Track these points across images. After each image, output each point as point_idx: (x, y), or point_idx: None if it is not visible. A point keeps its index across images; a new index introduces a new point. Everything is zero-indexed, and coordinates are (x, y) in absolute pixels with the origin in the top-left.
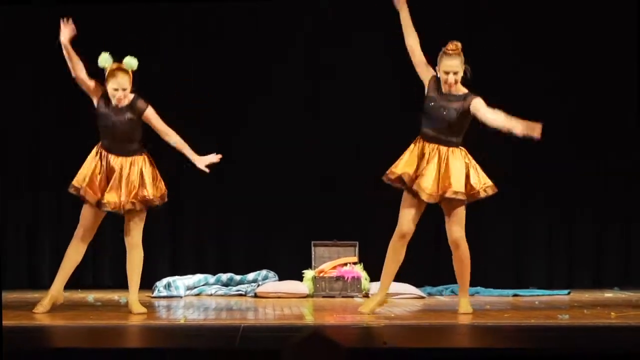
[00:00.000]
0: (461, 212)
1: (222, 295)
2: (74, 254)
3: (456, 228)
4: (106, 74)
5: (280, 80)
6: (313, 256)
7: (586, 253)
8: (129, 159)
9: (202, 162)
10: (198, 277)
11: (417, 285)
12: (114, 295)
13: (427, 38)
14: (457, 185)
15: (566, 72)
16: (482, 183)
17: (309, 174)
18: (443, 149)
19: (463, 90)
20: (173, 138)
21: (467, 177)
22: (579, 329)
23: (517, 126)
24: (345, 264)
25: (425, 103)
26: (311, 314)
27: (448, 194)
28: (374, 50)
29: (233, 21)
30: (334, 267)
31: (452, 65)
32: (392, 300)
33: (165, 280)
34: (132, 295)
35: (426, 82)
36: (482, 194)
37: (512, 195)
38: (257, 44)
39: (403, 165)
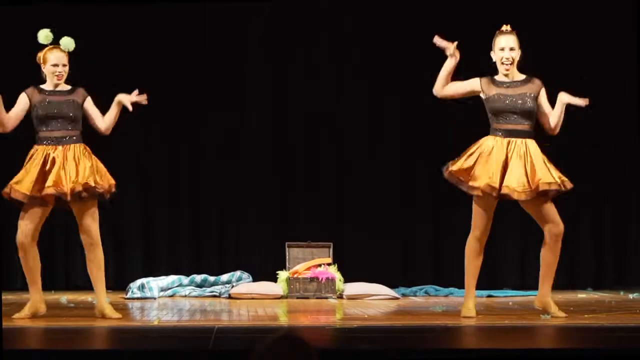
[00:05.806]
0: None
1: (196, 297)
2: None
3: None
4: (43, 54)
5: (250, 79)
6: (287, 257)
7: (560, 254)
8: (70, 146)
9: (128, 100)
10: (172, 278)
11: (391, 286)
12: (87, 297)
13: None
14: (547, 176)
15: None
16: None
17: (284, 174)
18: (520, 141)
19: (521, 75)
20: (108, 117)
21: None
22: (553, 329)
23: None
24: (320, 265)
25: (489, 103)
26: (285, 315)
27: (542, 187)
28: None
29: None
30: (308, 268)
31: (509, 41)
32: (365, 301)
33: (139, 282)
34: (103, 299)
35: (478, 88)
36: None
37: None
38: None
39: (481, 175)
